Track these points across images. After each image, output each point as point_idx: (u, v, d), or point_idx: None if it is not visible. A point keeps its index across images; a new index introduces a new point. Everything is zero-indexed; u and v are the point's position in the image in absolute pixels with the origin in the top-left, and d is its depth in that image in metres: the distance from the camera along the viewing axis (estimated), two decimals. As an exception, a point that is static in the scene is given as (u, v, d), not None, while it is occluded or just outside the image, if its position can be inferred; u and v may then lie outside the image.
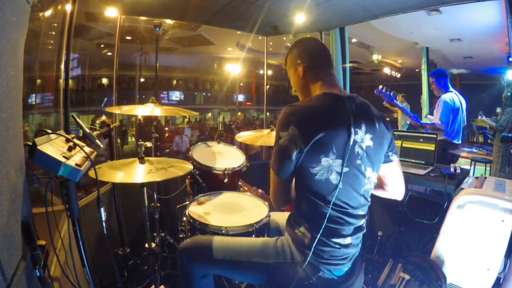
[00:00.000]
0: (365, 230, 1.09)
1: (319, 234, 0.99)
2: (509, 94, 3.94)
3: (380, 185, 1.21)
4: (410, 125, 6.18)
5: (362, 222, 1.07)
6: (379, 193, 1.24)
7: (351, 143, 0.97)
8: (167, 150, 8.53)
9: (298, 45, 1.18)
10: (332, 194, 0.97)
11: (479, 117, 4.14)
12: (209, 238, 1.20)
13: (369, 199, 1.08)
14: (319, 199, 0.98)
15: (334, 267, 1.03)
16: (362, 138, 1.00)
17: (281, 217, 1.47)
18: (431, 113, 3.01)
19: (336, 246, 1.01)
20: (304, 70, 1.12)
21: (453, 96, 2.72)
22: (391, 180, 1.19)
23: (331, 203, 0.98)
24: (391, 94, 2.74)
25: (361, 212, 1.06)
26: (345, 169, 0.97)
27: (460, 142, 2.81)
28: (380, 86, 2.75)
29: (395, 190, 1.21)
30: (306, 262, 1.01)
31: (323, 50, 1.16)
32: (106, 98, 11.66)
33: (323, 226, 0.98)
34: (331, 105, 1.01)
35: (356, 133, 0.98)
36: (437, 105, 2.76)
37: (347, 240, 1.03)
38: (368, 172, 1.04)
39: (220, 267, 1.15)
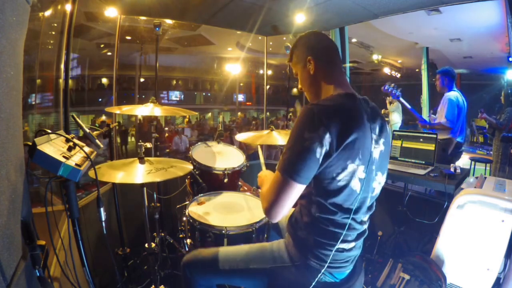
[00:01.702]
0: (367, 233, 1.08)
1: (324, 239, 0.97)
2: (511, 98, 3.96)
3: None
4: (402, 125, 6.17)
5: (365, 227, 1.05)
6: None
7: (373, 148, 0.95)
8: (167, 150, 8.54)
9: (307, 39, 1.09)
10: (351, 201, 0.94)
11: (480, 115, 4.14)
12: (209, 250, 1.20)
13: (374, 205, 1.06)
14: (335, 206, 0.94)
15: (336, 270, 1.01)
16: (378, 142, 0.98)
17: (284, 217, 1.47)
18: (434, 112, 3.00)
19: (339, 250, 0.99)
20: (316, 66, 1.04)
21: (457, 95, 2.73)
22: None
23: (349, 210, 0.95)
24: (398, 92, 2.72)
25: (366, 217, 1.04)
26: (365, 175, 0.94)
27: (463, 141, 2.82)
28: (388, 83, 2.73)
29: None
30: (307, 266, 1.00)
31: (333, 44, 1.08)
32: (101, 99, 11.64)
33: (343, 235, 0.95)
34: (356, 107, 0.95)
35: (373, 137, 0.96)
36: (442, 104, 2.77)
37: (351, 245, 1.01)
38: (379, 177, 1.01)
39: (221, 277, 1.15)
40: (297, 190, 0.90)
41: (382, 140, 0.99)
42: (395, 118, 6.11)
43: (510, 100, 4.09)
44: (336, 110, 0.91)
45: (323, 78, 1.04)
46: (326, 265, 0.96)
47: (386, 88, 2.74)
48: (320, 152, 0.86)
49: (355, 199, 0.94)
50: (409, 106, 2.82)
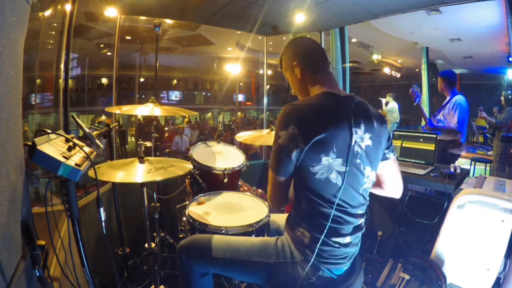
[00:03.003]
0: (364, 229, 1.09)
1: (319, 234, 0.99)
2: (510, 97, 3.98)
3: (377, 183, 1.20)
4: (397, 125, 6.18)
5: (361, 221, 1.07)
6: (377, 191, 1.23)
7: (353, 142, 0.97)
8: (167, 150, 8.54)
9: (292, 46, 1.15)
10: (333, 193, 0.97)
11: (479, 114, 4.17)
12: (208, 237, 1.20)
13: (367, 198, 1.08)
14: (319, 198, 0.98)
15: (334, 266, 1.03)
16: (362, 137, 1.00)
17: (280, 217, 1.47)
18: (438, 114, 3.03)
19: (336, 245, 1.01)
20: (302, 71, 1.10)
21: (463, 99, 2.80)
22: (388, 178, 1.19)
23: (333, 202, 0.97)
24: (421, 96, 2.99)
25: (360, 211, 1.06)
26: (345, 168, 0.97)
27: (464, 141, 2.89)
28: (415, 86, 2.96)
29: (392, 189, 1.21)
30: (306, 262, 1.01)
31: (317, 48, 1.13)
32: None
33: (327, 226, 0.97)
34: (331, 104, 1.00)
35: (355, 132, 0.98)
36: (451, 108, 2.81)
37: (347, 239, 1.03)
38: (367, 171, 1.04)
39: (219, 265, 1.15)
40: (283, 183, 1.02)
41: (368, 135, 1.01)
42: (392, 118, 6.12)
43: (509, 99, 4.10)
44: (307, 107, 0.98)
45: (309, 81, 1.10)
46: (315, 254, 0.99)
47: (414, 90, 2.96)
48: (290, 148, 0.94)
49: (338, 191, 0.97)
50: (424, 111, 3.10)
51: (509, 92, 4.12)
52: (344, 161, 0.96)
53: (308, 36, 1.17)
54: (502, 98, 4.25)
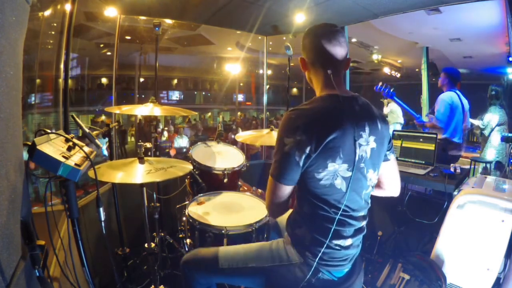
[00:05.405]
0: (365, 231, 1.08)
1: (321, 236, 0.98)
2: (493, 93, 3.93)
3: (377, 184, 1.20)
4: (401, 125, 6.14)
5: (363, 223, 1.06)
6: (377, 192, 1.23)
7: (358, 147, 0.96)
8: (167, 150, 8.54)
9: (306, 36, 1.08)
10: (337, 199, 0.97)
11: None
12: (208, 250, 1.21)
13: (369, 201, 1.08)
14: (323, 203, 0.97)
15: (334, 268, 1.02)
16: (367, 140, 0.99)
17: (281, 218, 1.47)
18: (432, 112, 2.99)
19: (337, 247, 1.00)
20: (307, 66, 1.09)
21: (451, 95, 2.72)
22: (387, 178, 1.18)
23: (337, 208, 0.97)
24: (391, 91, 2.73)
25: (362, 213, 1.05)
26: (351, 174, 0.96)
27: (460, 141, 2.80)
28: (380, 83, 2.77)
29: (392, 188, 1.21)
30: (305, 264, 1.01)
31: (327, 45, 1.01)
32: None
33: (331, 230, 0.97)
34: (336, 108, 0.97)
35: (361, 136, 0.96)
36: (435, 104, 2.77)
37: (348, 242, 1.02)
38: (370, 174, 1.03)
39: (220, 275, 1.16)
40: (285, 190, 0.99)
41: (373, 138, 1.00)
42: (392, 119, 6.08)
43: (492, 95, 4.04)
44: (313, 113, 0.96)
45: (314, 76, 1.09)
46: (318, 258, 0.98)
47: (378, 87, 2.80)
48: (299, 155, 0.92)
49: (343, 197, 0.97)
50: (404, 105, 2.83)
51: (494, 87, 4.05)
52: (350, 166, 0.95)
53: (327, 27, 1.06)
54: (488, 94, 4.19)
